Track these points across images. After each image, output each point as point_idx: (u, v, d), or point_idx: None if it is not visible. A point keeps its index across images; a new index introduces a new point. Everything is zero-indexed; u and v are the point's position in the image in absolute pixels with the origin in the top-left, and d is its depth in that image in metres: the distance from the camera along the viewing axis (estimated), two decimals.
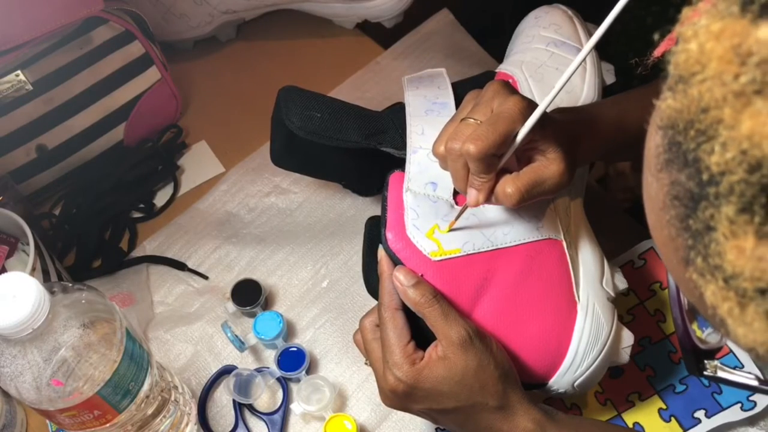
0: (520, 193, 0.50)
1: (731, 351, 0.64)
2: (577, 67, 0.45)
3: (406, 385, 0.50)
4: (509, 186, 0.50)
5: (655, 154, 0.27)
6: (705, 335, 0.32)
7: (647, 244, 0.69)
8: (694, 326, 0.32)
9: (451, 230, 0.54)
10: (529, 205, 0.56)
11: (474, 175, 0.50)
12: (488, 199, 0.51)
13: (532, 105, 0.50)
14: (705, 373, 0.32)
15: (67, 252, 0.76)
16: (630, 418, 0.64)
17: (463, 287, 0.54)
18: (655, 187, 0.27)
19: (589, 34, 0.67)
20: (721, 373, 0.32)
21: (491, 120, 0.49)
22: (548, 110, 0.50)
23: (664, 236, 0.27)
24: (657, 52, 0.29)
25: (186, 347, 0.71)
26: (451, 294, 0.53)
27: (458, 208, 0.56)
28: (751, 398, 0.62)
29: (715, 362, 0.32)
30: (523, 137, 0.49)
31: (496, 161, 0.50)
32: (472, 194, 0.51)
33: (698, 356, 0.32)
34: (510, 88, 0.52)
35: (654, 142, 0.27)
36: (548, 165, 0.51)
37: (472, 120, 0.51)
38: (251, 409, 0.67)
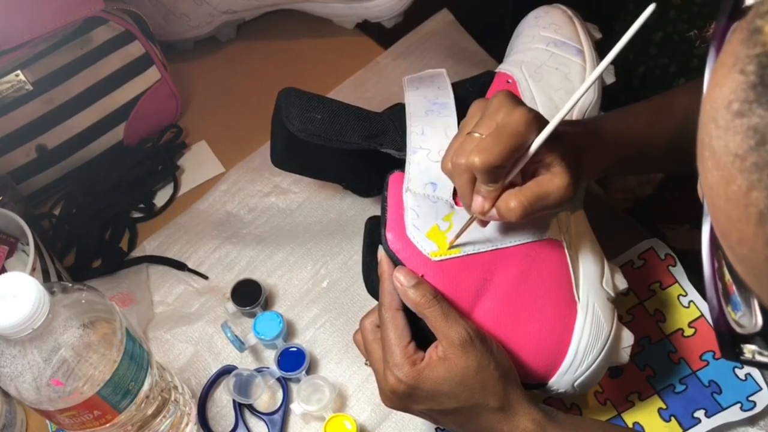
0: (523, 206, 0.49)
1: None
2: (591, 85, 0.45)
3: (406, 385, 0.50)
4: (512, 200, 0.50)
5: (727, 102, 0.26)
6: (738, 317, 0.31)
7: (647, 244, 0.69)
8: (729, 309, 0.31)
9: (455, 240, 0.54)
10: None
11: (481, 184, 0.50)
12: (492, 207, 0.51)
13: (538, 117, 0.50)
14: (742, 357, 0.31)
15: (67, 252, 0.76)
16: (630, 418, 0.64)
17: (464, 287, 0.54)
18: (726, 139, 0.26)
19: (589, 35, 0.67)
20: (760, 358, 0.31)
21: (496, 132, 0.49)
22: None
23: (731, 192, 0.26)
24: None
25: (186, 347, 0.71)
26: (452, 294, 0.53)
27: (457, 209, 0.56)
28: (750, 398, 0.62)
29: (753, 347, 0.31)
30: (535, 149, 0.48)
31: (503, 172, 0.49)
32: (477, 201, 0.51)
33: (735, 340, 0.31)
34: (515, 99, 0.52)
35: (728, 87, 0.26)
36: (552, 179, 0.50)
37: (477, 134, 0.50)
38: (251, 409, 0.67)
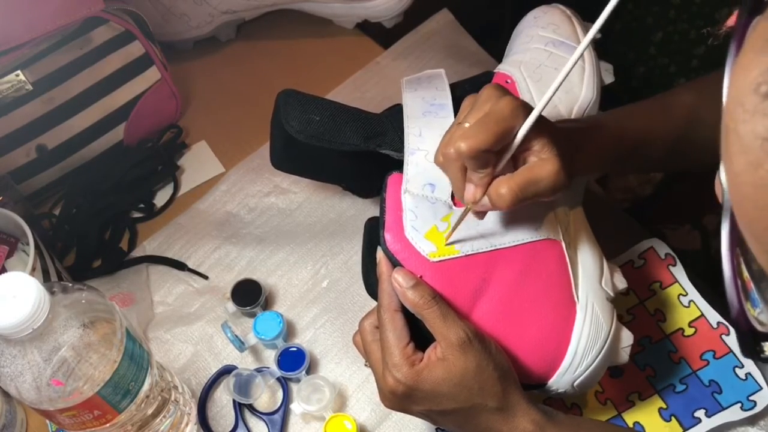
0: (513, 192, 0.50)
1: (731, 351, 0.64)
2: (572, 66, 0.45)
3: (405, 386, 0.51)
4: (503, 187, 0.50)
5: (755, 85, 0.26)
6: (757, 313, 0.31)
7: (647, 244, 0.69)
8: (748, 306, 0.31)
9: (451, 233, 0.54)
10: (528, 206, 0.56)
11: (471, 171, 0.50)
12: (484, 195, 0.51)
13: (524, 105, 0.50)
14: (762, 355, 0.31)
15: (67, 252, 0.76)
16: (630, 418, 0.64)
17: (462, 288, 0.54)
18: (753, 122, 0.26)
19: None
20: None
21: (482, 119, 0.49)
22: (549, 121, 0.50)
23: (759, 177, 0.26)
24: (730, 22, 0.28)
25: (186, 347, 0.71)
26: (450, 295, 0.53)
27: (456, 210, 0.56)
28: (751, 398, 0.62)
29: None
30: (524, 134, 0.49)
31: (491, 158, 0.50)
32: (469, 190, 0.51)
33: (756, 338, 0.31)
34: (503, 90, 0.52)
35: (756, 71, 0.26)
36: (543, 165, 0.51)
37: (465, 124, 0.51)
38: (251, 409, 0.67)
